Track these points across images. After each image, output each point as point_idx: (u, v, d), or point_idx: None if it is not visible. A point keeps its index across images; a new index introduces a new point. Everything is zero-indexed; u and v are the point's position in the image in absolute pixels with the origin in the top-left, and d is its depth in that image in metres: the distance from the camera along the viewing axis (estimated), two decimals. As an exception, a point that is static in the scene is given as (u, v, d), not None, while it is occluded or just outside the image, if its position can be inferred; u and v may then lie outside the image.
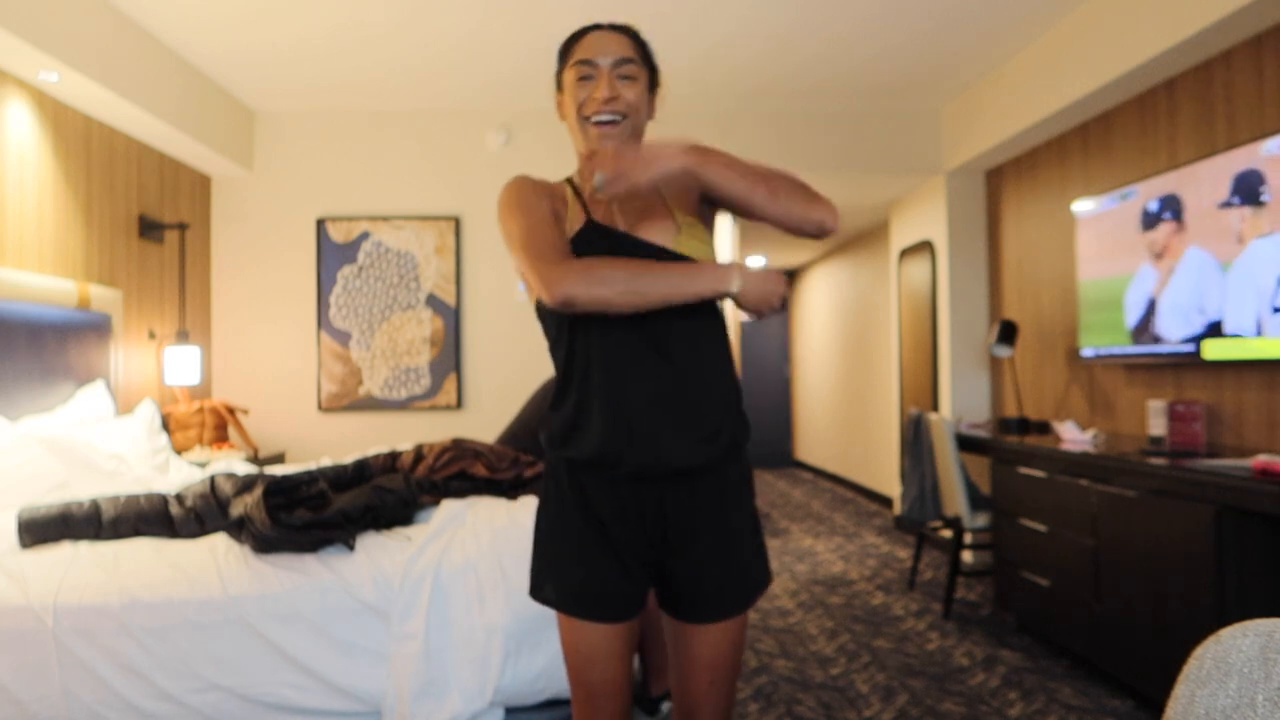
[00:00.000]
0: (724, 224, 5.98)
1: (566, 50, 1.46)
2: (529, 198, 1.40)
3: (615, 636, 1.38)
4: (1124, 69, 3.37)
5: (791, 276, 10.08)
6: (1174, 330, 3.23)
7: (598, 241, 1.37)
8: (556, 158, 4.82)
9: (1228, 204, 2.96)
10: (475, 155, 4.92)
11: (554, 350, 1.43)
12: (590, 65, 1.40)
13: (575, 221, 1.42)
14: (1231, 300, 2.94)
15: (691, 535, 1.38)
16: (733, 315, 6.88)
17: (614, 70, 1.40)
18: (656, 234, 1.39)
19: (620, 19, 1.49)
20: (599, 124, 1.39)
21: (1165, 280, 3.26)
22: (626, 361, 1.34)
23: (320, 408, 4.81)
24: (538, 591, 1.43)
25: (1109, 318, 3.62)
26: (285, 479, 2.44)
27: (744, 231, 6.98)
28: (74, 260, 3.59)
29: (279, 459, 4.46)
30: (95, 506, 2.39)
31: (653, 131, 1.50)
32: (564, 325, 1.39)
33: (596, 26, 1.44)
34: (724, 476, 1.40)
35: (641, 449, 1.33)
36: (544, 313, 1.44)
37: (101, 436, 3.05)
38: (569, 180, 1.51)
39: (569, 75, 1.43)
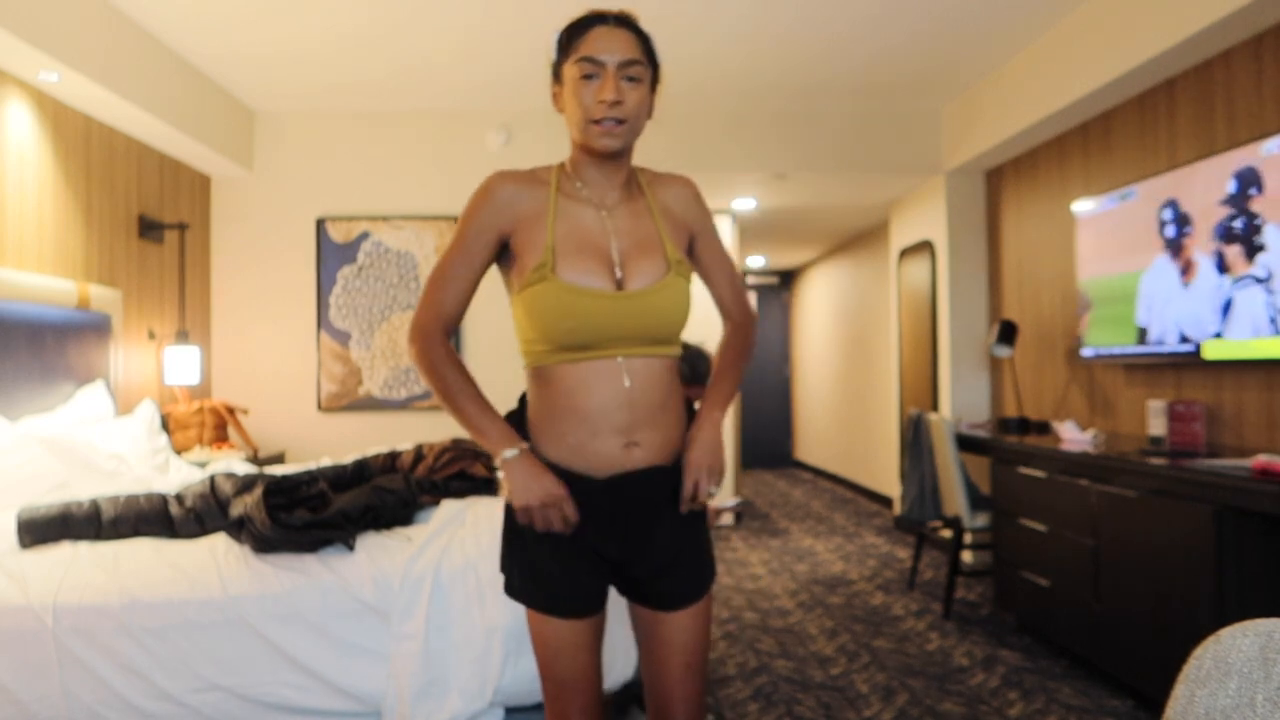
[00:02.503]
0: (725, 226, 5.99)
1: (568, 42, 1.39)
2: (483, 215, 1.44)
3: (581, 631, 1.39)
4: (1124, 69, 3.36)
5: (791, 277, 10.07)
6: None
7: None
8: (556, 158, 4.80)
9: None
10: (475, 155, 4.91)
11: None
12: (595, 64, 1.34)
13: (552, 217, 1.43)
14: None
15: (655, 524, 1.40)
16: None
17: (620, 71, 1.35)
18: (650, 267, 1.39)
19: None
20: (602, 124, 1.37)
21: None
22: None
23: (320, 408, 4.81)
24: (508, 587, 1.43)
25: (1116, 311, 3.61)
26: (285, 479, 2.44)
27: (743, 233, 6.97)
28: (74, 260, 3.59)
29: (279, 459, 4.46)
30: (95, 506, 2.39)
31: (650, 131, 1.49)
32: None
33: (601, 19, 1.38)
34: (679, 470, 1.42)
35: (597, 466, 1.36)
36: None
37: (101, 436, 3.04)
38: (562, 166, 1.50)
39: (571, 70, 1.38)
